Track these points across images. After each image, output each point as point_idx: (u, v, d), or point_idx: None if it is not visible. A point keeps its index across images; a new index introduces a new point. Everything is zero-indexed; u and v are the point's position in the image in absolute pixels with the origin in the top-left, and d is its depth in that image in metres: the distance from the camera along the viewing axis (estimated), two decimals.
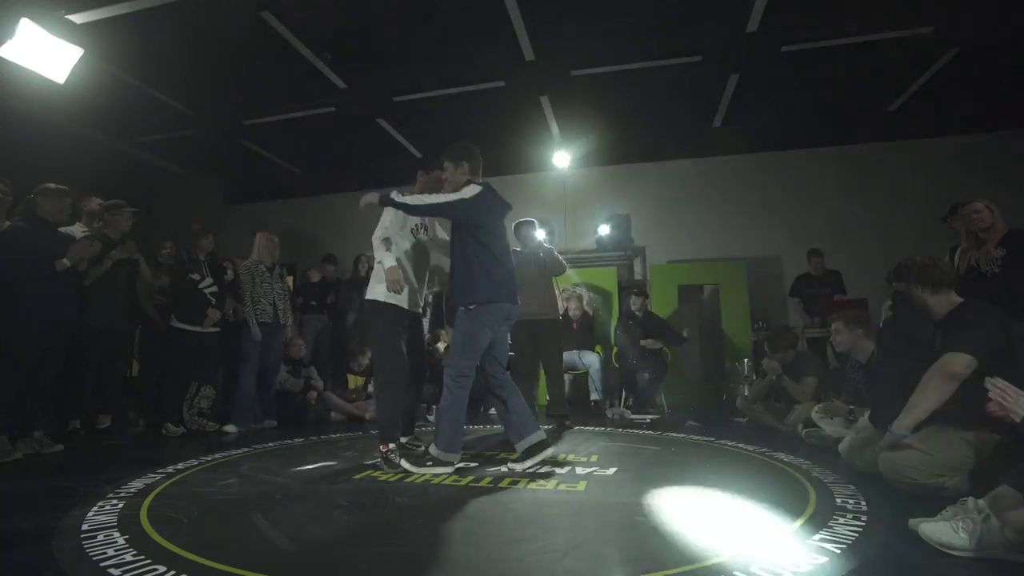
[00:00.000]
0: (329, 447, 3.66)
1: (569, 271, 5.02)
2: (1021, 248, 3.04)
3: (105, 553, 1.67)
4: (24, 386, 3.31)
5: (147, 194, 7.20)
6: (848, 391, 3.43)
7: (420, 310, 3.28)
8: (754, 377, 5.04)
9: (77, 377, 3.84)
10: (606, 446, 3.52)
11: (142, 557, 1.63)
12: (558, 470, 2.76)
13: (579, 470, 2.77)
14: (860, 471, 2.53)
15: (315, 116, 5.95)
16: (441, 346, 5.35)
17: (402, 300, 3.04)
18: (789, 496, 2.24)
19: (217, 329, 4.44)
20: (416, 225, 3.17)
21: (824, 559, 1.55)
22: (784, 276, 6.42)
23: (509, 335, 4.72)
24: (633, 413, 5.05)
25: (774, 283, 6.57)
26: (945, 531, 1.57)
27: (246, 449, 3.57)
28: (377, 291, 3.00)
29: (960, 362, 2.07)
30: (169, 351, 4.41)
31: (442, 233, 3.27)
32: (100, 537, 1.81)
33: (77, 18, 3.87)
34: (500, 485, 2.49)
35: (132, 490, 2.45)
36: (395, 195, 2.79)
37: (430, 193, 2.94)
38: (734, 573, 1.45)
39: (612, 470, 2.76)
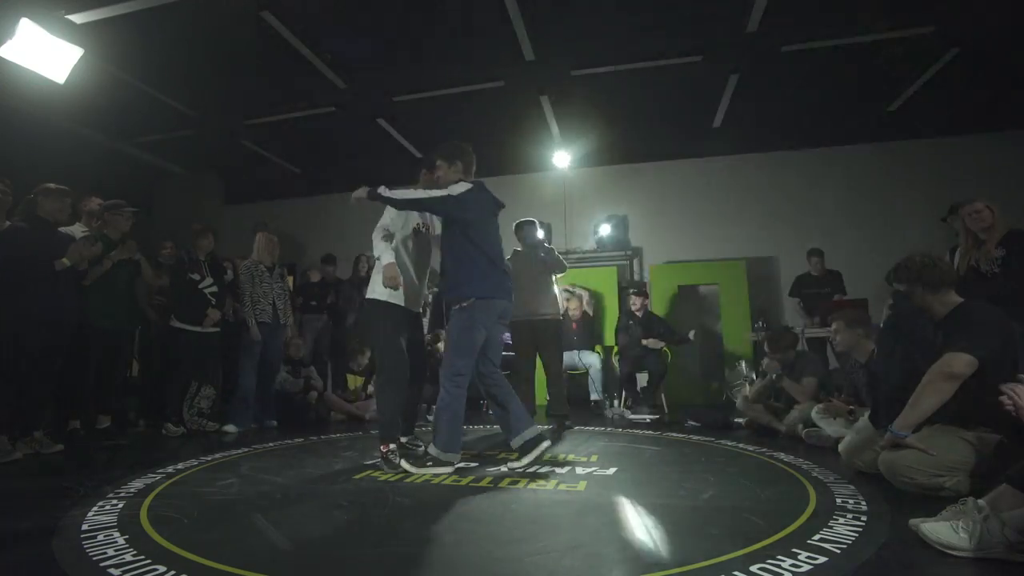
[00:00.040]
0: (329, 447, 3.66)
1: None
2: (1021, 248, 3.05)
3: (105, 553, 1.67)
4: (24, 386, 3.31)
5: (147, 194, 7.19)
6: (848, 391, 3.43)
7: (420, 310, 3.28)
8: (754, 377, 5.04)
9: (77, 377, 3.84)
10: (606, 446, 3.52)
11: (142, 557, 1.63)
12: (558, 470, 2.77)
13: (579, 470, 2.77)
14: (860, 471, 2.53)
15: (315, 116, 5.95)
16: (441, 346, 5.35)
17: (403, 299, 3.03)
18: (789, 496, 2.24)
19: (217, 329, 4.44)
20: (419, 223, 3.16)
21: (824, 559, 1.55)
22: (784, 276, 6.42)
23: (508, 335, 4.78)
24: (633, 413, 5.05)
25: (774, 283, 6.57)
26: (945, 531, 1.57)
27: (246, 449, 3.57)
28: (377, 290, 2.99)
29: (960, 362, 2.07)
30: (169, 351, 4.41)
31: None
32: (100, 537, 1.81)
33: (77, 18, 3.87)
34: (500, 485, 2.49)
35: (132, 490, 2.45)
36: (382, 189, 2.80)
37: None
38: (734, 573, 1.45)
39: (612, 470, 2.76)
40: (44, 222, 3.47)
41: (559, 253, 4.51)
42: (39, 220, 3.45)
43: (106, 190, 4.37)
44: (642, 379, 5.38)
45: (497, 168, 6.87)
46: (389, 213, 3.09)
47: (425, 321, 3.56)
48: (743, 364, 5.58)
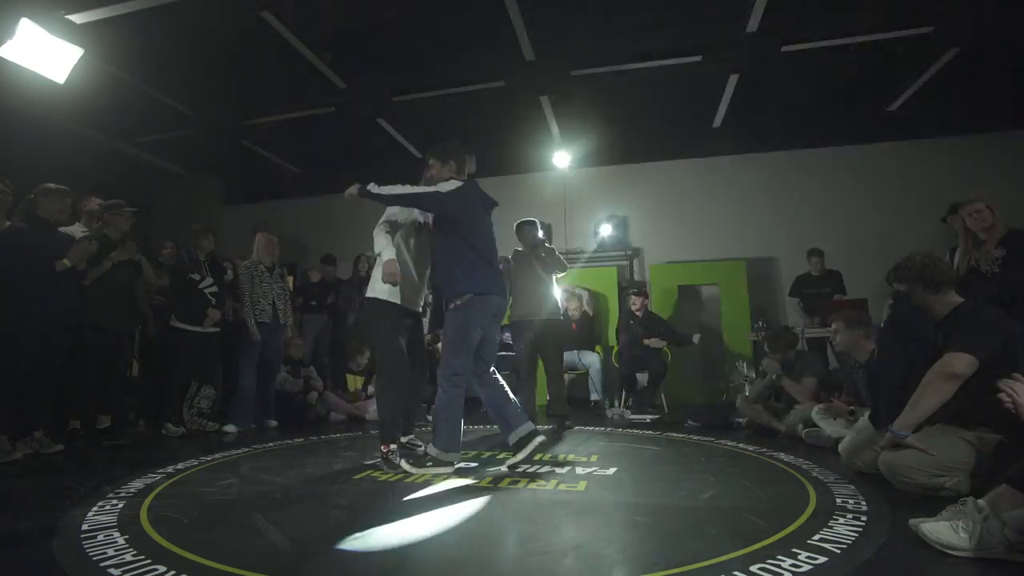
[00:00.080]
0: (329, 447, 3.66)
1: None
2: (1021, 248, 3.05)
3: (105, 553, 1.67)
4: (24, 386, 3.31)
5: (147, 194, 7.20)
6: (848, 391, 3.43)
7: (420, 309, 3.28)
8: (754, 377, 5.04)
9: (77, 377, 3.84)
10: (606, 446, 3.52)
11: (142, 557, 1.63)
12: (558, 470, 2.76)
13: (579, 470, 2.77)
14: (860, 471, 2.53)
15: (315, 116, 5.96)
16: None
17: (403, 298, 3.02)
18: (789, 496, 2.24)
19: (217, 329, 4.44)
20: (421, 222, 3.16)
21: (824, 559, 1.55)
22: (784, 276, 6.42)
23: (508, 335, 4.79)
24: (633, 413, 5.05)
25: (774, 283, 6.57)
26: (945, 531, 1.57)
27: (246, 449, 3.57)
28: (377, 288, 2.98)
29: (961, 362, 2.07)
30: (169, 351, 4.41)
31: None
32: (100, 537, 1.81)
33: (77, 18, 3.87)
34: (500, 485, 2.49)
35: (132, 490, 2.45)
36: (372, 186, 2.80)
37: None
38: (734, 573, 1.45)
39: (612, 470, 2.76)
40: (44, 222, 3.47)
41: (559, 253, 4.51)
42: (39, 220, 3.45)
43: (106, 190, 4.37)
44: (642, 379, 5.38)
45: (497, 168, 6.87)
46: (393, 208, 3.08)
47: (425, 321, 3.55)
48: (743, 364, 5.59)
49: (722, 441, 3.61)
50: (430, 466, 2.73)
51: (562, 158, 6.66)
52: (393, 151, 6.84)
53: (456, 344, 2.79)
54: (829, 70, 5.10)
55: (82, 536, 1.82)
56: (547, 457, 3.07)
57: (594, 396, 5.56)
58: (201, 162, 7.21)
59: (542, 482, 2.52)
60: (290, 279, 5.33)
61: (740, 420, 4.38)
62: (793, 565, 1.50)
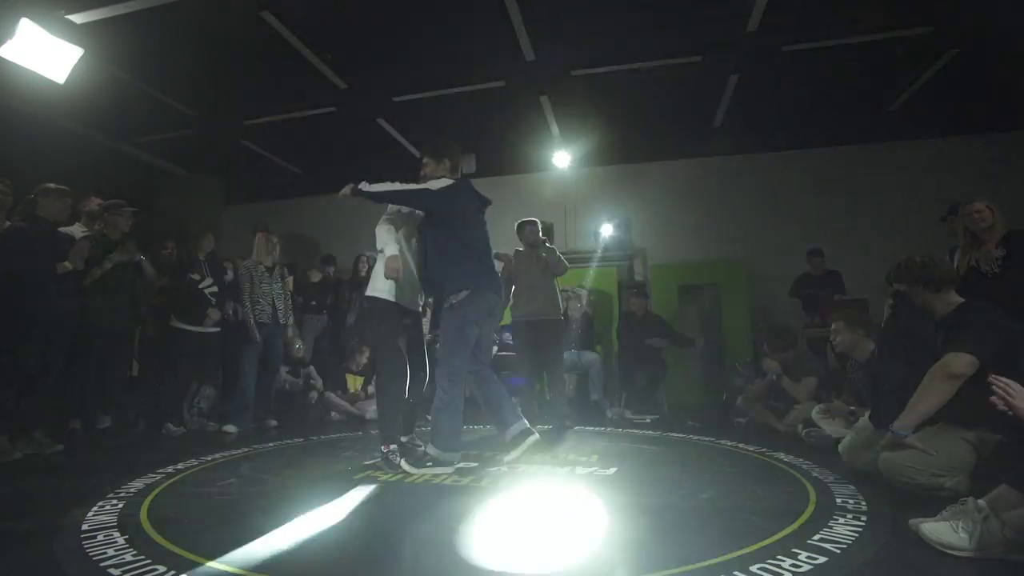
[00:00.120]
0: (329, 447, 3.66)
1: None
2: (1021, 248, 3.04)
3: (105, 553, 1.67)
4: (25, 386, 3.31)
5: (147, 194, 7.18)
6: (848, 391, 3.43)
7: (420, 309, 3.27)
8: (754, 377, 5.04)
9: (77, 377, 3.84)
10: (606, 446, 3.52)
11: (142, 557, 1.63)
12: (558, 470, 2.77)
13: (579, 470, 2.77)
14: (860, 471, 2.53)
15: (315, 116, 5.95)
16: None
17: (403, 298, 3.00)
18: (789, 496, 2.24)
19: (217, 329, 4.44)
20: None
21: (824, 559, 1.55)
22: (784, 276, 6.42)
23: (509, 335, 4.79)
24: (633, 413, 5.05)
25: (774, 283, 6.57)
26: (945, 531, 1.57)
27: (246, 449, 3.57)
28: (378, 287, 2.97)
29: (961, 362, 2.07)
30: (169, 351, 4.41)
31: None
32: (100, 537, 1.81)
33: (77, 18, 3.87)
34: (500, 485, 2.49)
35: (132, 490, 2.45)
36: (363, 185, 2.81)
37: None
38: (734, 573, 1.45)
39: (612, 470, 2.76)
40: (44, 222, 3.47)
41: (560, 253, 4.51)
42: (39, 220, 3.45)
43: (106, 190, 4.37)
44: (642, 379, 5.38)
45: (497, 168, 6.87)
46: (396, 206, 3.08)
47: (425, 321, 3.55)
48: (743, 364, 5.59)
49: (722, 441, 3.61)
50: (430, 466, 2.74)
51: (562, 158, 6.65)
52: (393, 151, 6.83)
53: (454, 343, 2.79)
54: (829, 70, 5.09)
55: (82, 536, 1.83)
56: (547, 457, 3.07)
57: (594, 396, 5.55)
58: (201, 162, 7.21)
59: (542, 482, 2.52)
60: (290, 279, 5.32)
61: (740, 420, 4.38)
62: (793, 565, 1.50)
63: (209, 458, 3.23)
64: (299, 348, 5.17)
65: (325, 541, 1.80)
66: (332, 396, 5.09)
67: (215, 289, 4.42)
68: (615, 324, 6.08)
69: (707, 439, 3.71)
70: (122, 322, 4.07)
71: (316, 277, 6.27)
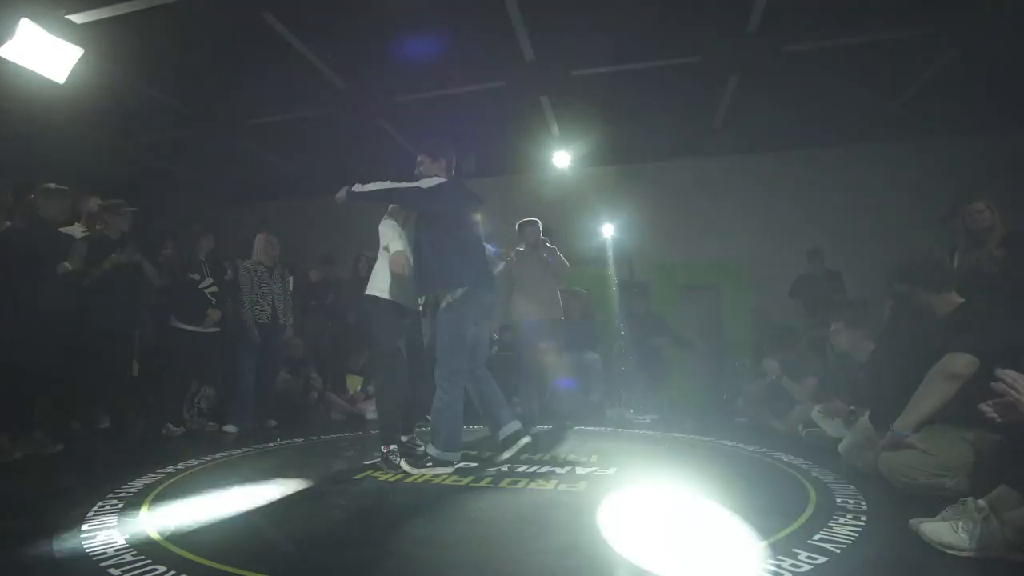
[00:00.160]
0: (329, 447, 3.66)
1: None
2: (1021, 249, 3.04)
3: (105, 553, 1.67)
4: (24, 386, 3.31)
5: (147, 194, 7.19)
6: (848, 391, 3.42)
7: (420, 308, 3.27)
8: (754, 377, 5.04)
9: (77, 377, 3.84)
10: (606, 446, 3.52)
11: (142, 557, 1.63)
12: (558, 470, 2.76)
13: (579, 470, 2.77)
14: (860, 471, 2.53)
15: (315, 116, 5.95)
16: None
17: (402, 298, 3.00)
18: (789, 496, 2.24)
19: (217, 329, 4.44)
20: None
21: (824, 559, 1.55)
22: (784, 276, 6.41)
23: (508, 335, 4.78)
24: (633, 413, 5.05)
25: (774, 283, 6.56)
26: (945, 531, 1.57)
27: (246, 449, 3.57)
28: (377, 286, 2.96)
29: (962, 363, 2.07)
30: (169, 351, 4.41)
31: None
32: (100, 537, 1.81)
33: (77, 18, 3.87)
34: (500, 485, 2.49)
35: (132, 490, 2.44)
36: (356, 186, 2.82)
37: None
38: (734, 573, 1.45)
39: (612, 470, 2.76)
40: (44, 222, 3.47)
41: (560, 253, 4.51)
42: (39, 220, 3.45)
43: (106, 190, 4.37)
44: (642, 379, 5.37)
45: (497, 168, 6.86)
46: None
47: (425, 321, 3.55)
48: (743, 364, 5.59)
49: (722, 441, 3.61)
50: (430, 466, 2.74)
51: (562, 158, 6.65)
52: (393, 151, 6.83)
53: (452, 343, 2.79)
54: (829, 70, 5.09)
55: (82, 536, 1.82)
56: (547, 457, 3.07)
57: (594, 396, 5.55)
58: (201, 162, 7.21)
59: (542, 482, 2.53)
60: (290, 279, 5.33)
61: (741, 419, 4.38)
62: (793, 565, 1.50)
63: (209, 458, 3.22)
64: (298, 347, 5.17)
65: (325, 541, 1.80)
66: (332, 396, 5.09)
67: (215, 289, 4.42)
68: (615, 324, 6.06)
69: (707, 439, 3.71)
70: (122, 322, 4.07)
71: (316, 277, 6.27)
